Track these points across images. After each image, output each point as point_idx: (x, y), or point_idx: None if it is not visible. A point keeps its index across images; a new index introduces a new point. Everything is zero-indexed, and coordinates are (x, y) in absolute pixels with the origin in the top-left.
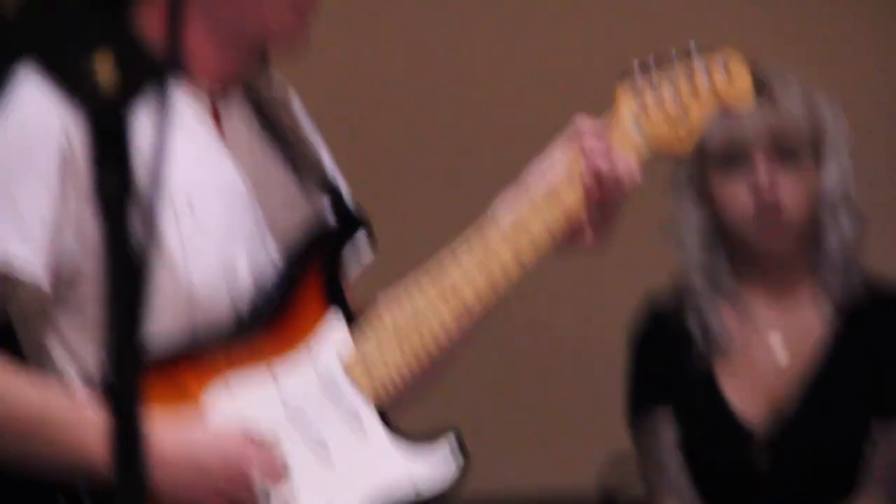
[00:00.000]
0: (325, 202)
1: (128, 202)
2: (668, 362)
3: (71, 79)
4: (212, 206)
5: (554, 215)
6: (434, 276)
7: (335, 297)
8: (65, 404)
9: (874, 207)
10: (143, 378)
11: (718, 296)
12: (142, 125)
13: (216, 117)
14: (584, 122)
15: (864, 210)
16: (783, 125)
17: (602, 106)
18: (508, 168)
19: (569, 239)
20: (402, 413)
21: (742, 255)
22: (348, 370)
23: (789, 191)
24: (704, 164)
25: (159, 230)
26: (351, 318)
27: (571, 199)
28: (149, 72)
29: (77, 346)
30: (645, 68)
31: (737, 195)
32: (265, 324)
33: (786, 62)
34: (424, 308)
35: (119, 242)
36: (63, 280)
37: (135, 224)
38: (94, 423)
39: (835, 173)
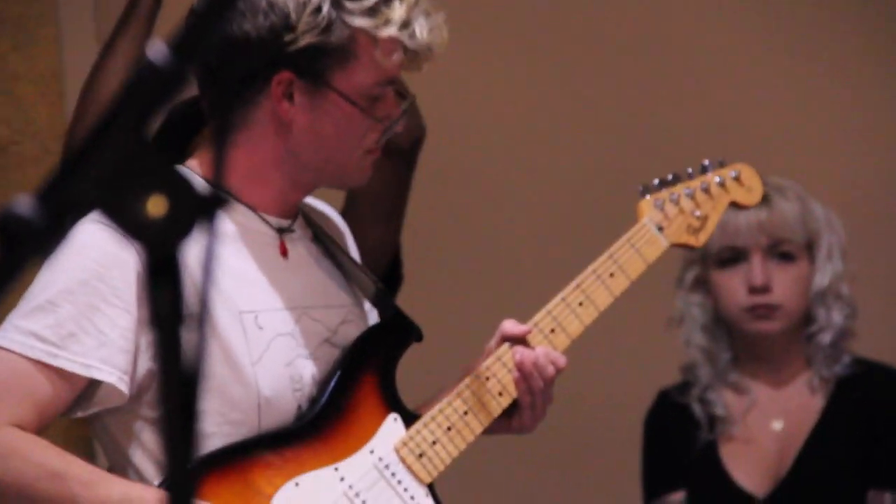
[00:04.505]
0: (381, 313)
1: (179, 317)
2: (678, 448)
3: (128, 220)
4: (277, 323)
5: (493, 394)
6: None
7: (392, 399)
8: (88, 466)
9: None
10: (199, 479)
11: (721, 381)
12: (192, 251)
13: (282, 243)
14: (509, 323)
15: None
16: (779, 228)
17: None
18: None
19: (508, 419)
20: None
21: (742, 344)
22: (405, 461)
23: (782, 285)
24: (707, 262)
25: (209, 344)
26: (405, 414)
27: (507, 380)
28: (197, 207)
29: (153, 444)
30: (664, 184)
31: (733, 288)
32: (329, 426)
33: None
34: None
35: (173, 353)
36: (140, 383)
37: (187, 337)
38: (118, 482)
39: (828, 272)
